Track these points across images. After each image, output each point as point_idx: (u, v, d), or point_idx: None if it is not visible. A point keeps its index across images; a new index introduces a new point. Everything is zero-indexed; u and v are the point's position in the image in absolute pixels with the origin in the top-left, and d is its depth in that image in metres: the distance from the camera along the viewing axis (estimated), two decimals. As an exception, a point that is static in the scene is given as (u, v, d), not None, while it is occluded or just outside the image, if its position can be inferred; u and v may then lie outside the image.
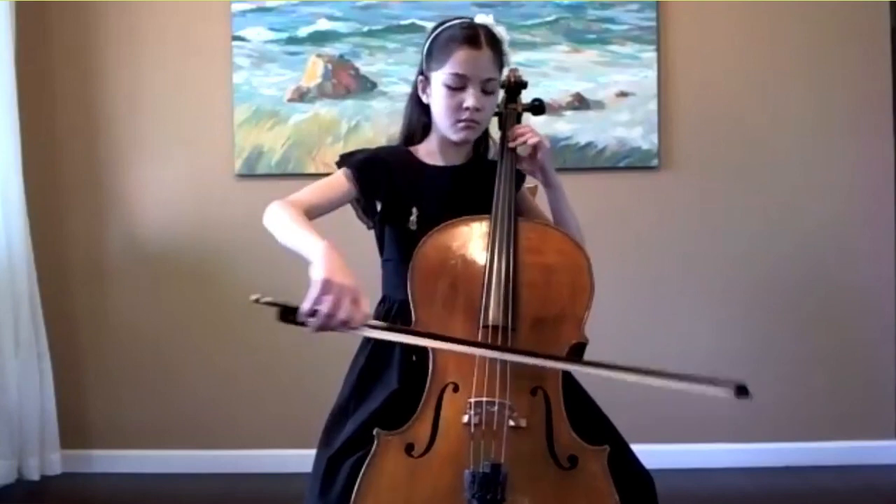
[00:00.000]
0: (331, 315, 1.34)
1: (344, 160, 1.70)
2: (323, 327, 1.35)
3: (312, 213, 1.59)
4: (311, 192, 1.64)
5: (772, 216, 3.10)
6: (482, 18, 1.67)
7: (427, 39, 1.70)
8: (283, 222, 1.53)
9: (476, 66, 1.62)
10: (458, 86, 1.63)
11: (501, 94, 1.75)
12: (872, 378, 3.09)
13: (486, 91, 1.64)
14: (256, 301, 1.35)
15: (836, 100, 3.09)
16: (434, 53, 1.66)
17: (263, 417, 3.10)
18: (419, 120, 1.74)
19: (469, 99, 1.62)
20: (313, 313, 1.35)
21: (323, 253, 1.39)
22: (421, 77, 1.70)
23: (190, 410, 3.11)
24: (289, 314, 1.36)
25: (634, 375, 1.38)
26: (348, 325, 1.35)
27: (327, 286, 1.34)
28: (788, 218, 3.10)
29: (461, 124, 1.65)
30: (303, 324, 1.36)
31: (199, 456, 3.08)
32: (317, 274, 1.36)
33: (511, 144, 1.69)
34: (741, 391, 1.30)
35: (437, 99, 1.66)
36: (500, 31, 1.68)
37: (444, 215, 1.58)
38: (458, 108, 1.63)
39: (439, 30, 1.68)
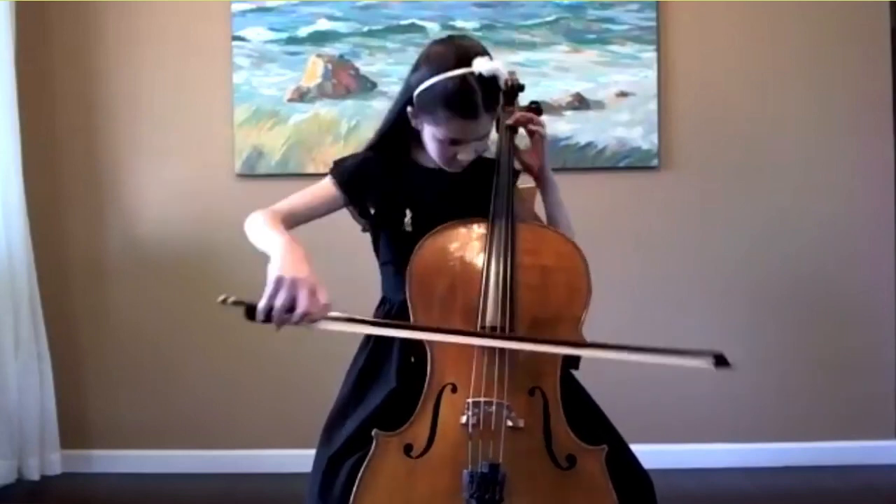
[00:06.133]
0: (287, 310, 1.34)
1: (334, 168, 1.69)
2: (283, 321, 1.35)
3: (292, 220, 1.60)
4: (293, 200, 1.65)
5: (772, 216, 3.09)
6: (480, 64, 1.52)
7: (418, 80, 1.56)
8: (254, 227, 1.55)
9: (471, 132, 1.57)
10: (450, 143, 1.59)
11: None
12: (872, 378, 3.09)
13: (480, 139, 1.60)
14: (224, 302, 1.34)
15: (836, 100, 3.09)
16: (425, 105, 1.56)
17: (263, 417, 3.10)
18: (411, 133, 1.67)
19: (462, 154, 1.60)
20: (271, 309, 1.35)
21: (280, 249, 1.41)
22: (410, 108, 1.61)
23: (190, 410, 3.11)
24: (252, 313, 1.36)
25: (612, 353, 1.46)
26: (309, 318, 1.35)
27: (279, 283, 1.35)
28: (788, 218, 3.09)
29: (453, 166, 1.63)
30: (268, 320, 1.36)
31: (199, 456, 3.08)
32: (270, 272, 1.37)
33: (510, 122, 1.63)
34: (720, 361, 1.32)
35: (429, 141, 1.61)
36: (499, 69, 1.53)
37: (440, 216, 1.56)
38: (452, 158, 1.61)
39: (432, 81, 1.53)
